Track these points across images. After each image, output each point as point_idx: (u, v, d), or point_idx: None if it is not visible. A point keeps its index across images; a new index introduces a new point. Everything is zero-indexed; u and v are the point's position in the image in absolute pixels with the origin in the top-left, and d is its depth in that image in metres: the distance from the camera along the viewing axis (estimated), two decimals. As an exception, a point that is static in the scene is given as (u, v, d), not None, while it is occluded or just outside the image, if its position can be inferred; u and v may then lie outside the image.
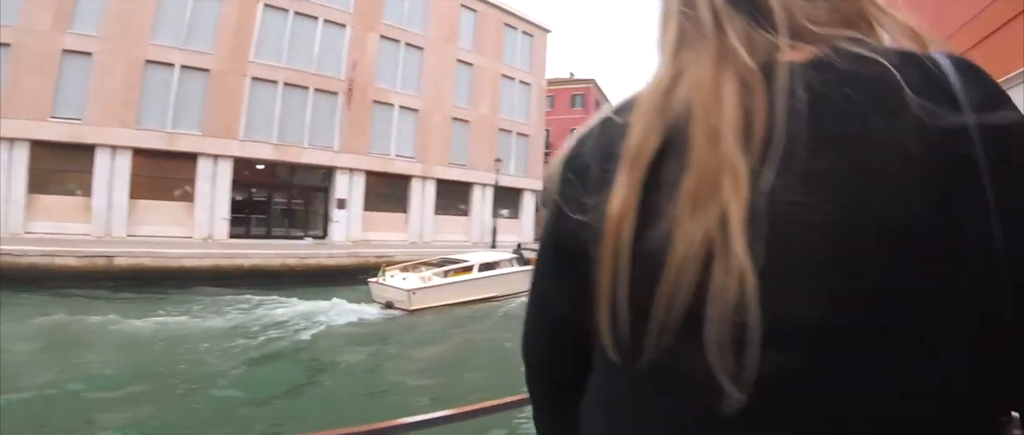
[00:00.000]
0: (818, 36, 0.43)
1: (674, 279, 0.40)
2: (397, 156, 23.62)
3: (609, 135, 0.47)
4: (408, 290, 12.02)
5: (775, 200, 0.38)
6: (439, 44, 25.20)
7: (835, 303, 0.38)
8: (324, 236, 21.43)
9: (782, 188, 0.38)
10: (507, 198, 28.45)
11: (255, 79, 19.01)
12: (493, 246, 22.32)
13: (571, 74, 50.09)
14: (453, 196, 26.27)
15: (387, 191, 23.56)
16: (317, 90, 20.65)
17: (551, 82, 46.51)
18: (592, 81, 49.10)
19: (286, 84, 19.78)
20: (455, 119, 26.04)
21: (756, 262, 0.37)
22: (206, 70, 18.08)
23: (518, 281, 14.26)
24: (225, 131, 18.19)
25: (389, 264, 13.33)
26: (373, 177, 22.70)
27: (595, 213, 0.44)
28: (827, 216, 0.38)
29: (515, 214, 29.68)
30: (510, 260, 15.32)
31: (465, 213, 26.99)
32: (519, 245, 19.43)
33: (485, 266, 14.20)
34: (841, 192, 0.38)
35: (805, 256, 0.38)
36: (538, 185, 30.57)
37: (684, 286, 0.40)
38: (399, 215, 24.04)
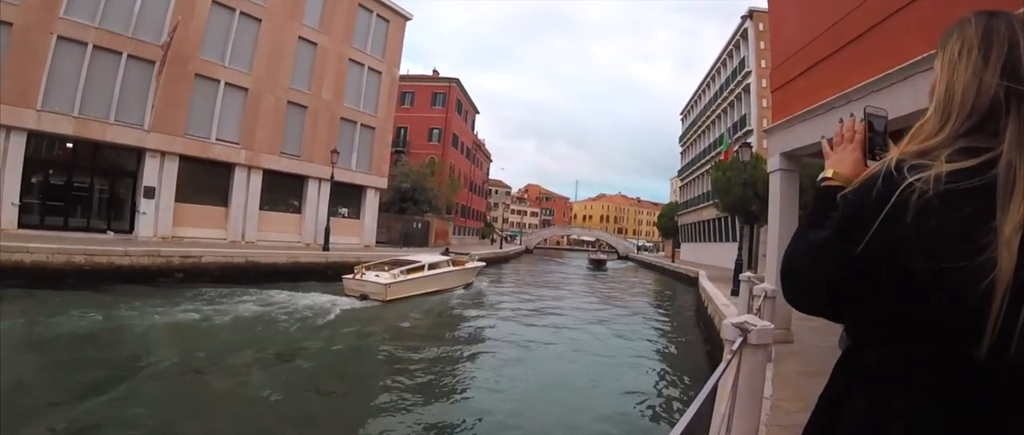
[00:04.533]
0: None
1: None
2: (218, 140, 23.36)
3: (958, 202, 0.82)
4: (385, 284, 15.91)
5: None
6: (280, 17, 25.46)
7: None
8: (130, 230, 20.70)
9: None
10: (347, 195, 29.20)
11: (62, 38, 17.88)
12: (326, 249, 23.65)
13: (435, 71, 53.02)
14: (284, 190, 26.60)
15: (205, 180, 23.19)
16: (131, 57, 19.85)
17: (413, 78, 48.70)
18: (456, 81, 52.32)
19: (96, 47, 18.84)
20: (291, 103, 26.35)
21: None
22: (8, 23, 16.71)
23: (455, 277, 20.42)
24: (21, 99, 16.86)
25: (358, 264, 17.27)
26: (188, 163, 22.24)
27: (977, 257, 0.78)
28: None
29: (356, 213, 30.54)
30: (447, 262, 20.31)
31: (297, 210, 27.39)
32: (447, 249, 25.24)
33: (432, 266, 18.76)
34: None
35: None
36: (383, 183, 32.20)
37: None
38: (218, 209, 23.87)
